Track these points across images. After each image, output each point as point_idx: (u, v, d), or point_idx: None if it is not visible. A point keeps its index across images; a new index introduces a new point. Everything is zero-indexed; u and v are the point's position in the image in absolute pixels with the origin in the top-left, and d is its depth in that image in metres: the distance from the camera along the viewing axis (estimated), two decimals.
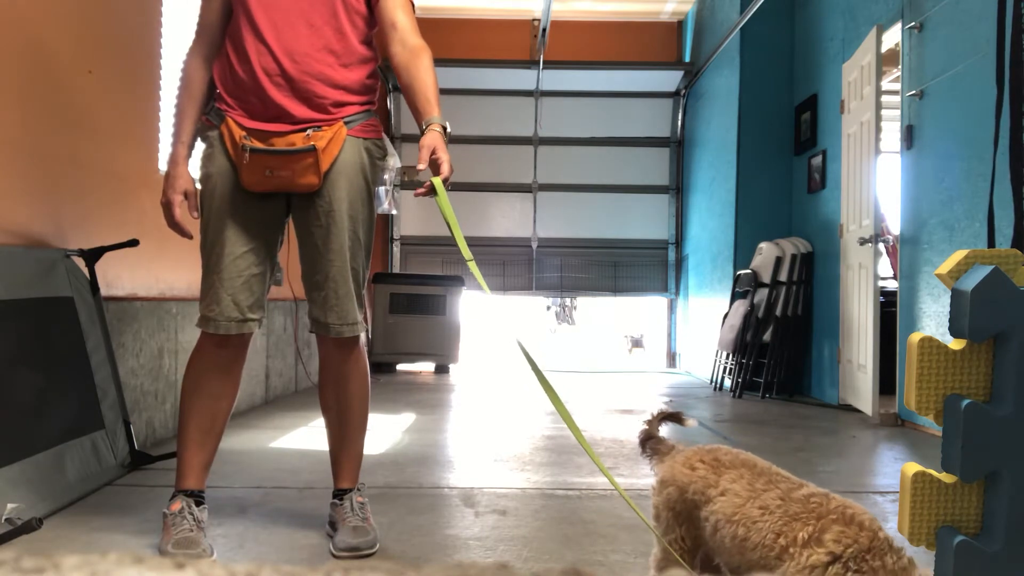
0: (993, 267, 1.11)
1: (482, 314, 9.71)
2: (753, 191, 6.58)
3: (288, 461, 3.23)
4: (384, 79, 7.49)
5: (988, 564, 1.12)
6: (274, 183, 2.08)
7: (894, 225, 5.18)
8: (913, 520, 1.16)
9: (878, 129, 4.80)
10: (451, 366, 7.54)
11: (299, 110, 2.06)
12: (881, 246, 4.88)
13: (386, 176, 6.50)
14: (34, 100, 2.78)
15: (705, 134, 7.81)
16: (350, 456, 2.27)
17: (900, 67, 4.68)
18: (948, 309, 1.16)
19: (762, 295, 6.12)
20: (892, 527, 1.26)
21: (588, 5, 8.42)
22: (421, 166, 1.99)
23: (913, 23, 4.45)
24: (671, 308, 8.92)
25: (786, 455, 3.57)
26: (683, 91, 8.48)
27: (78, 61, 3.05)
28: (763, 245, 6.24)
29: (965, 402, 1.13)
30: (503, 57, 8.46)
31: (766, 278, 6.09)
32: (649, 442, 1.66)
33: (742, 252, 6.58)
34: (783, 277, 5.98)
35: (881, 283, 4.91)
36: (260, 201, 2.13)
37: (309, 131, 2.06)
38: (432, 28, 8.36)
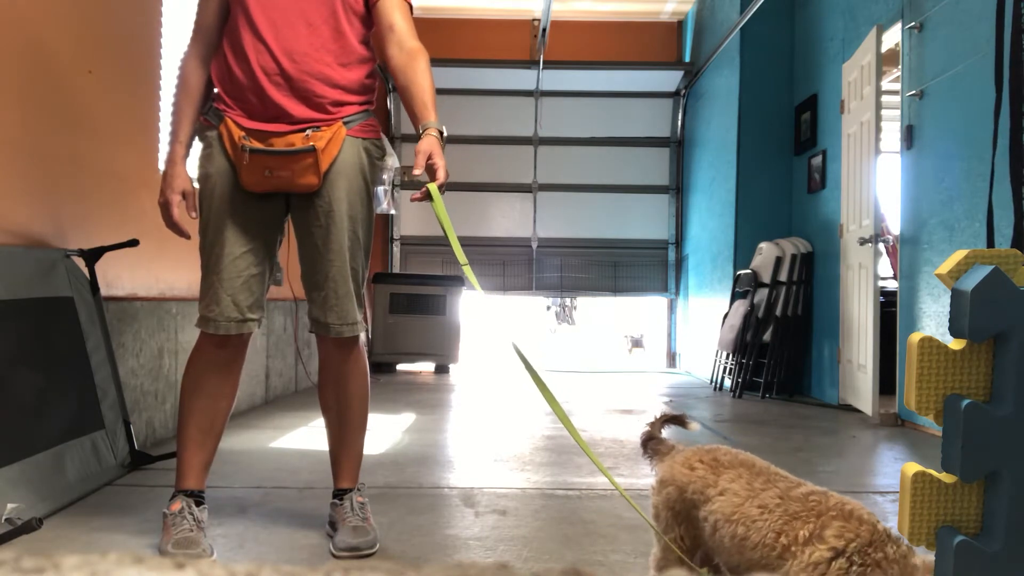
0: (993, 267, 1.11)
1: (482, 314, 9.71)
2: (753, 191, 6.58)
3: (288, 461, 3.23)
4: (384, 79, 7.49)
5: (988, 564, 1.12)
6: (273, 183, 2.08)
7: (894, 225, 5.18)
8: (913, 520, 1.16)
9: (878, 129, 4.80)
10: (451, 366, 7.54)
11: (298, 110, 2.06)
12: (881, 246, 4.88)
13: (385, 176, 6.51)
14: (34, 100, 2.78)
15: (705, 134, 7.81)
16: (350, 456, 2.28)
17: (900, 67, 4.68)
18: (948, 309, 1.16)
19: (762, 295, 6.12)
20: (892, 527, 1.27)
21: (588, 5, 8.42)
22: (417, 171, 2.00)
23: (913, 23, 4.45)
24: (671, 308, 8.92)
25: (786, 455, 3.56)
26: (683, 91, 8.48)
27: (78, 61, 3.05)
28: (763, 245, 6.24)
29: (965, 402, 1.13)
30: (503, 57, 8.46)
31: (766, 278, 6.09)
32: (650, 443, 1.66)
33: (742, 252, 6.58)
34: (783, 277, 5.98)
35: (881, 283, 4.91)
36: (259, 201, 2.13)
37: (308, 131, 2.06)
38: (432, 28, 8.36)
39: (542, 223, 8.71)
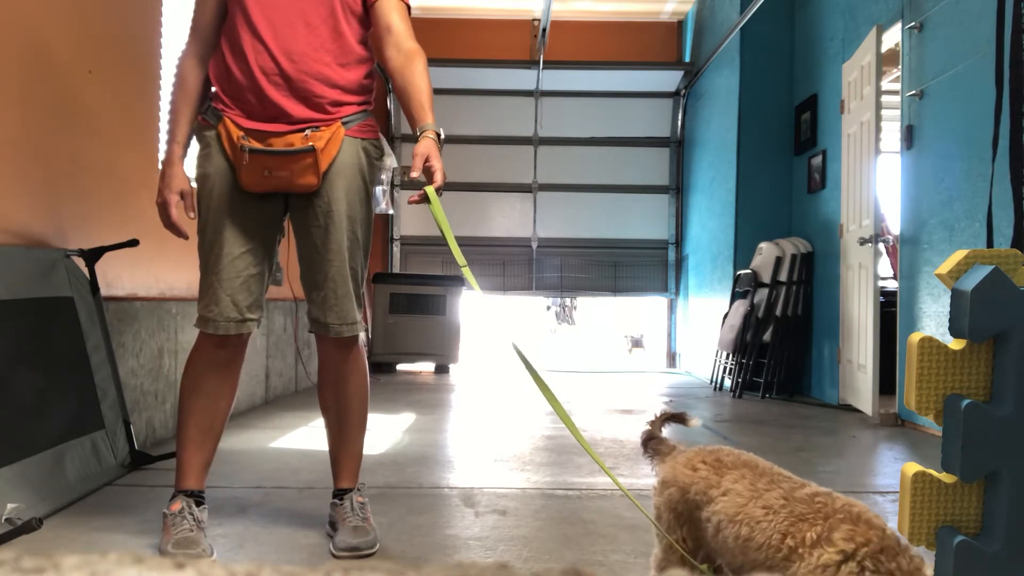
0: (993, 267, 1.11)
1: (481, 314, 9.71)
2: (753, 191, 6.58)
3: (288, 461, 3.23)
4: (384, 79, 7.49)
5: (988, 564, 1.12)
6: (273, 183, 2.08)
7: (894, 225, 5.18)
8: (913, 520, 1.16)
9: (878, 129, 4.80)
10: (451, 366, 7.54)
11: (297, 110, 2.06)
12: (881, 246, 4.88)
13: (383, 176, 6.52)
14: (34, 100, 2.78)
15: (705, 134, 7.81)
16: (350, 456, 2.28)
17: (900, 67, 4.68)
18: (948, 309, 1.16)
19: (762, 295, 6.12)
20: (892, 527, 1.26)
21: (588, 5, 8.42)
22: (415, 174, 2.00)
23: (913, 23, 4.45)
24: (671, 308, 8.92)
25: (786, 455, 3.56)
26: (683, 91, 8.48)
27: (78, 61, 3.05)
28: (763, 245, 6.24)
29: (965, 402, 1.12)
30: (503, 57, 8.46)
31: (766, 278, 6.09)
32: (651, 443, 1.66)
33: (742, 252, 6.58)
34: (783, 277, 5.98)
35: (881, 283, 4.91)
36: (258, 201, 2.12)
37: (307, 131, 2.06)
38: (432, 28, 8.36)
39: (542, 223, 8.71)
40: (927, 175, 4.34)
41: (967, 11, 3.94)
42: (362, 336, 2.28)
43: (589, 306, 14.65)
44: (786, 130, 6.49)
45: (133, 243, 3.00)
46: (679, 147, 8.67)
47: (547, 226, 8.71)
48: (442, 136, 2.06)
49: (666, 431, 1.70)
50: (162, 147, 3.68)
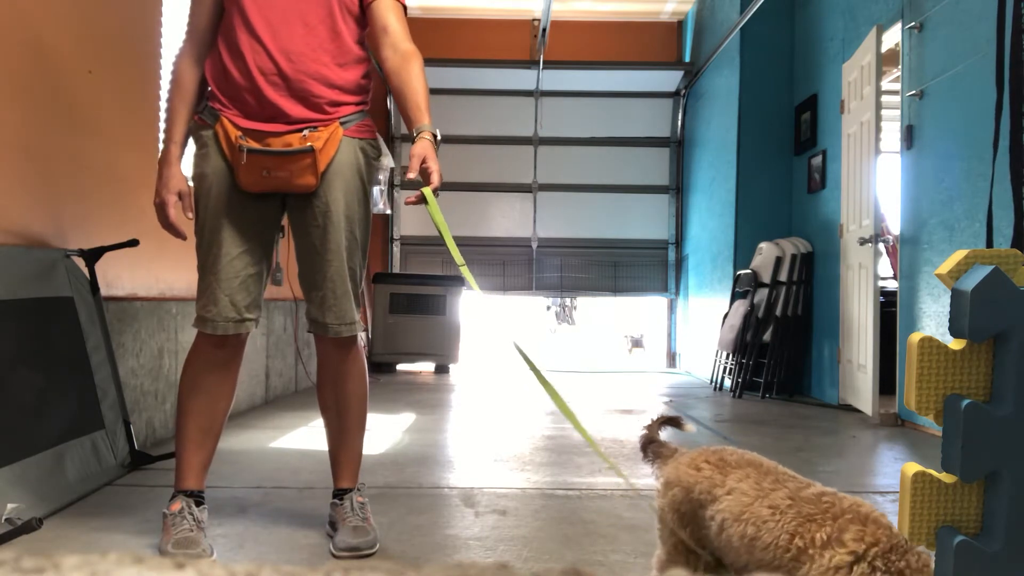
0: (993, 267, 1.11)
1: (482, 314, 9.71)
2: (753, 191, 6.58)
3: (288, 461, 3.23)
4: (384, 79, 7.49)
5: (988, 564, 1.12)
6: (271, 183, 2.08)
7: (894, 225, 5.18)
8: (913, 520, 1.16)
9: (878, 129, 4.80)
10: (451, 366, 7.54)
11: (295, 110, 2.06)
12: (881, 246, 4.88)
13: (380, 176, 6.52)
14: (34, 100, 2.78)
15: (705, 134, 7.81)
16: (349, 455, 2.28)
17: (900, 67, 4.68)
18: (948, 309, 1.16)
19: (762, 295, 6.12)
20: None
21: (588, 5, 8.42)
22: (412, 175, 2.00)
23: (913, 23, 4.45)
24: (671, 308, 8.92)
25: (786, 455, 3.56)
26: (683, 91, 8.48)
27: (78, 61, 3.05)
28: (763, 245, 6.24)
29: (965, 402, 1.12)
30: (503, 57, 8.46)
31: (766, 278, 6.09)
32: (651, 446, 1.66)
33: (742, 252, 6.58)
34: (783, 277, 5.98)
35: (881, 283, 4.91)
36: (256, 201, 2.12)
37: (306, 131, 2.06)
38: (432, 28, 8.36)
39: (542, 223, 8.71)
40: (927, 175, 4.34)
41: (967, 11, 3.94)
42: (361, 336, 2.28)
43: (589, 306, 14.66)
44: (786, 130, 6.49)
45: (133, 243, 3.00)
46: (679, 147, 8.67)
47: (547, 226, 8.71)
48: (439, 137, 2.06)
49: (663, 434, 1.70)
50: (161, 147, 3.68)
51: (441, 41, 8.31)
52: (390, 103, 8.44)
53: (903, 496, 1.19)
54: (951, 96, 4.10)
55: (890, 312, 4.86)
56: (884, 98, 4.98)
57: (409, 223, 8.63)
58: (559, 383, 1.56)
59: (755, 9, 5.95)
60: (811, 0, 6.13)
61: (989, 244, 2.57)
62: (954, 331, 1.16)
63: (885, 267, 6.05)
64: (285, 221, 2.26)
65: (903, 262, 4.60)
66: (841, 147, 5.39)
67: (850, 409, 5.11)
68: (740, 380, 5.99)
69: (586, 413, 4.86)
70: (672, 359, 8.90)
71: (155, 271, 3.61)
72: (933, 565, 1.17)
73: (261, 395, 4.92)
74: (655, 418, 1.73)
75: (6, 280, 2.44)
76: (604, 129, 8.65)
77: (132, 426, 2.97)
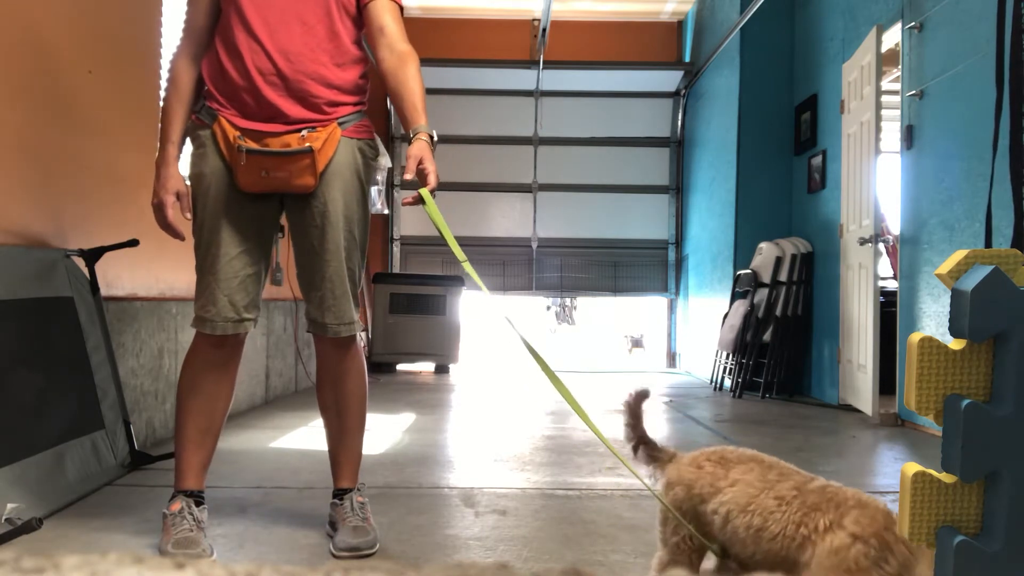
0: (993, 267, 1.11)
1: (482, 314, 9.71)
2: (753, 191, 6.58)
3: (288, 461, 3.23)
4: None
5: (988, 564, 1.12)
6: (270, 184, 2.08)
7: (894, 225, 5.18)
8: (913, 520, 1.16)
9: (878, 129, 4.80)
10: (451, 366, 7.54)
11: (294, 110, 2.06)
12: (881, 246, 4.88)
13: (378, 176, 6.52)
14: (34, 100, 2.78)
15: (705, 134, 7.81)
16: (349, 455, 2.28)
17: (900, 67, 4.68)
18: (948, 309, 1.16)
19: (762, 295, 6.12)
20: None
21: (588, 5, 8.42)
22: (408, 176, 2.00)
23: (913, 23, 4.45)
24: (671, 308, 8.92)
25: (786, 455, 3.55)
26: (683, 91, 8.48)
27: (78, 61, 3.05)
28: (763, 245, 6.24)
29: (965, 402, 1.12)
30: (503, 57, 8.46)
31: (766, 278, 6.09)
32: (644, 448, 1.65)
33: (742, 252, 6.58)
34: (783, 277, 5.98)
35: (881, 283, 4.91)
36: (254, 201, 2.12)
37: (304, 131, 2.06)
38: (432, 28, 8.36)
39: (542, 223, 8.71)
40: (927, 175, 4.34)
41: (967, 11, 3.94)
42: (360, 336, 2.28)
43: (589, 306, 14.65)
44: (786, 130, 6.49)
45: (133, 243, 3.00)
46: (679, 147, 8.67)
47: (547, 226, 8.71)
48: (435, 138, 2.06)
49: (650, 430, 1.70)
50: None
51: (441, 41, 8.31)
52: (390, 103, 8.44)
53: (903, 496, 1.19)
54: (951, 96, 4.10)
55: (890, 312, 4.86)
56: (884, 98, 4.98)
57: (409, 223, 8.63)
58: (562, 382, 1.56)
59: (755, 9, 5.95)
60: (811, 0, 6.13)
61: (988, 244, 2.57)
62: (954, 331, 1.16)
63: (885, 267, 6.05)
64: (284, 220, 2.26)
65: (903, 262, 4.60)
66: (841, 147, 5.39)
67: (850, 409, 5.11)
68: (740, 380, 5.99)
69: (586, 413, 4.85)
70: (672, 359, 8.90)
71: (155, 271, 3.61)
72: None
73: (261, 395, 4.92)
74: (632, 394, 1.71)
75: (6, 280, 2.44)
76: (604, 129, 8.65)
77: (132, 426, 2.97)
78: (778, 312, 5.98)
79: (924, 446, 3.87)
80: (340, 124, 2.11)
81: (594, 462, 3.33)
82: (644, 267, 8.75)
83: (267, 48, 2.04)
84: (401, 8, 2.20)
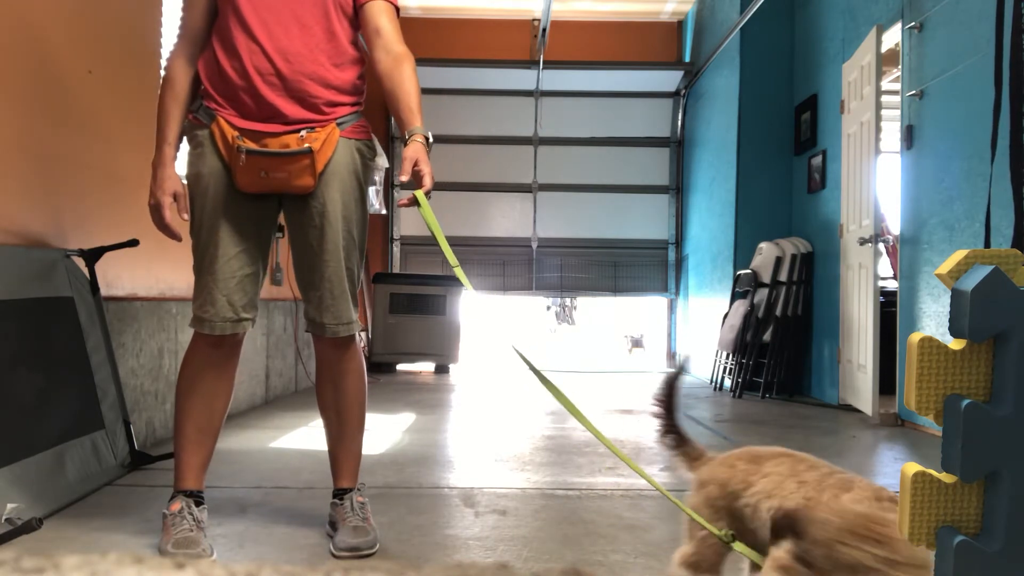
0: (993, 267, 1.11)
1: (482, 315, 9.70)
2: (753, 191, 6.58)
3: (288, 461, 3.23)
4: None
5: (988, 564, 1.12)
6: (269, 184, 2.07)
7: (894, 225, 5.18)
8: (913, 520, 1.16)
9: (878, 129, 4.80)
10: (451, 366, 7.54)
11: (292, 110, 2.06)
12: (881, 246, 4.88)
13: (376, 177, 6.52)
14: (34, 100, 2.78)
15: (705, 134, 7.81)
16: (349, 455, 2.28)
17: (900, 67, 4.68)
18: (948, 309, 1.16)
19: (762, 295, 6.12)
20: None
21: (588, 5, 8.42)
22: (404, 178, 2.00)
23: (913, 23, 4.45)
24: (671, 308, 8.92)
25: None
26: (683, 91, 8.48)
27: (78, 61, 3.05)
28: (763, 245, 6.24)
29: (965, 402, 1.12)
30: (503, 57, 8.46)
31: (766, 278, 6.09)
32: (672, 436, 1.68)
33: (742, 252, 6.58)
34: (783, 277, 5.98)
35: (881, 283, 4.91)
36: (252, 200, 2.12)
37: (303, 132, 2.06)
38: (432, 28, 8.35)
39: (542, 223, 8.71)
40: (927, 175, 4.34)
41: (967, 11, 3.94)
42: (360, 336, 2.28)
43: (589, 306, 14.65)
44: (786, 130, 6.49)
45: (133, 243, 3.00)
46: (679, 147, 8.67)
47: (547, 226, 8.71)
48: (431, 140, 2.06)
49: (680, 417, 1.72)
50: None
51: (441, 41, 8.31)
52: None
53: (903, 496, 1.19)
54: (951, 96, 4.10)
55: (890, 312, 4.86)
56: (884, 98, 4.98)
57: (409, 223, 8.63)
58: (560, 383, 1.57)
59: (755, 9, 5.95)
60: (811, 0, 6.13)
61: (987, 244, 2.57)
62: (954, 331, 1.16)
63: (885, 267, 6.05)
64: (283, 220, 2.26)
65: (903, 262, 4.60)
66: (841, 147, 5.39)
67: (850, 409, 5.11)
68: (740, 380, 5.99)
69: (586, 413, 4.85)
70: (672, 359, 8.90)
71: (155, 271, 3.61)
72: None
73: (261, 395, 4.92)
74: (659, 408, 1.72)
75: (6, 280, 2.44)
76: (604, 129, 8.65)
77: (132, 426, 2.97)
78: (778, 312, 5.98)
79: (924, 446, 3.87)
80: (338, 124, 2.11)
81: (594, 462, 3.33)
82: (644, 267, 8.75)
83: (266, 49, 2.04)
84: (397, 9, 2.20)
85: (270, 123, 2.06)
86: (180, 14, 2.17)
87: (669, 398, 1.70)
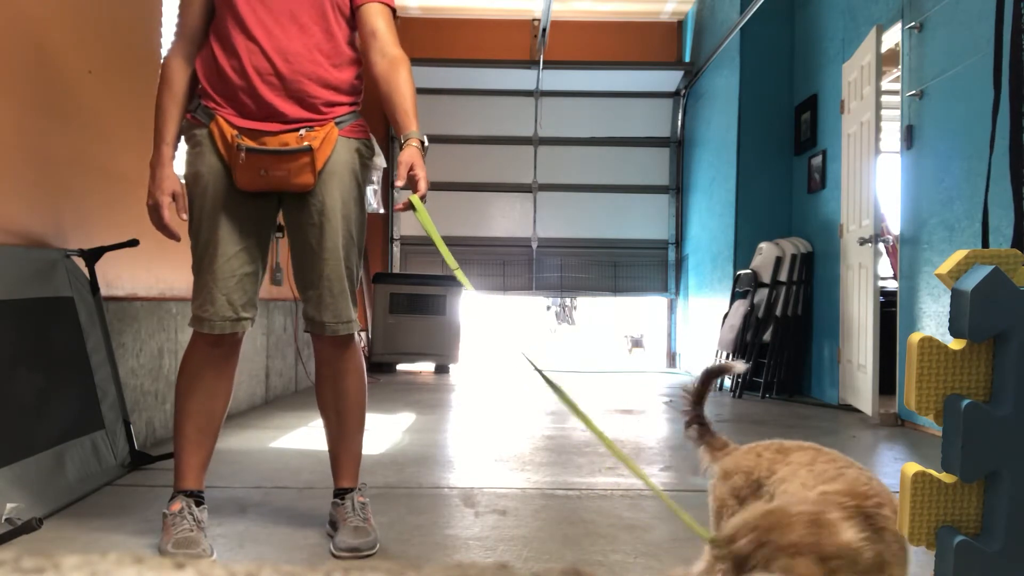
0: (993, 267, 1.11)
1: (482, 316, 9.71)
2: (753, 191, 6.58)
3: (288, 461, 3.23)
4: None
5: (988, 564, 1.12)
6: (268, 183, 2.08)
7: (894, 225, 5.18)
8: (913, 520, 1.16)
9: (878, 129, 4.80)
10: (451, 366, 7.54)
11: (291, 110, 2.06)
12: (881, 246, 4.88)
13: (374, 176, 6.52)
14: (34, 100, 2.78)
15: (705, 134, 7.81)
16: (349, 455, 2.28)
17: (900, 67, 4.68)
18: (948, 309, 1.16)
19: (762, 295, 6.12)
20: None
21: (588, 5, 8.42)
22: (399, 183, 2.00)
23: (913, 23, 4.45)
24: (671, 308, 8.92)
25: None
26: (683, 91, 8.48)
27: (78, 61, 3.05)
28: (763, 245, 6.24)
29: (965, 402, 1.13)
30: (503, 57, 8.46)
31: (766, 278, 6.09)
32: (696, 427, 1.68)
33: (742, 252, 6.58)
34: (783, 277, 5.98)
35: (881, 283, 4.91)
36: (252, 200, 2.12)
37: (302, 131, 2.06)
38: (432, 28, 8.35)
39: (542, 223, 8.71)
40: (927, 175, 4.34)
41: (967, 11, 3.94)
42: (359, 336, 2.28)
43: (589, 306, 14.65)
44: (786, 130, 6.49)
45: (133, 243, 3.00)
46: (679, 147, 8.67)
47: (547, 226, 8.71)
48: (426, 144, 2.06)
49: (707, 407, 1.73)
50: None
51: (441, 41, 8.31)
52: None
53: (903, 496, 1.19)
54: (951, 96, 4.10)
55: (890, 312, 4.86)
56: (884, 98, 4.98)
57: (409, 223, 8.63)
58: (560, 383, 1.57)
59: (755, 9, 5.95)
60: (811, 0, 6.13)
61: (985, 244, 2.57)
62: (954, 331, 1.16)
63: (885, 267, 6.05)
64: (282, 219, 2.26)
65: (903, 262, 4.60)
66: (841, 147, 5.39)
67: (850, 409, 5.11)
68: (740, 380, 5.99)
69: (586, 413, 4.85)
70: (672, 359, 8.90)
71: (155, 271, 3.61)
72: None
73: (261, 395, 4.92)
74: (693, 392, 1.73)
75: (6, 280, 2.44)
76: (604, 129, 8.65)
77: (132, 426, 2.97)
78: (778, 312, 5.98)
79: (924, 446, 3.87)
80: (337, 124, 2.12)
81: (594, 462, 3.33)
82: (644, 267, 8.75)
83: (265, 48, 2.04)
84: (394, 11, 2.19)
85: (269, 122, 2.06)
86: (177, 14, 2.17)
87: (703, 392, 1.72)
